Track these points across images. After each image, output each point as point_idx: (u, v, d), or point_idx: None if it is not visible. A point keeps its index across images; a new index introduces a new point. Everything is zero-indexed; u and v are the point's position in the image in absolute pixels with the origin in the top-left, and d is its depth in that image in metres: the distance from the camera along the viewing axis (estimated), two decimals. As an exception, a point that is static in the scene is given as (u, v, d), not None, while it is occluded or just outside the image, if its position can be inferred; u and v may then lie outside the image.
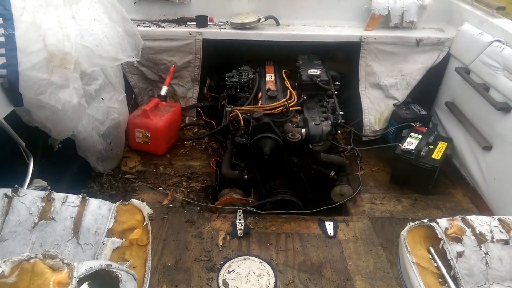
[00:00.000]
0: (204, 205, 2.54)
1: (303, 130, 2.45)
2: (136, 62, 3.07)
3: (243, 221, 2.36)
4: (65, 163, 2.45)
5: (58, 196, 1.55)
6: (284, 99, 2.52)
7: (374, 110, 3.10)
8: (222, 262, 2.12)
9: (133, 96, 3.28)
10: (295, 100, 2.62)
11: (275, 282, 2.02)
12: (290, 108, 2.52)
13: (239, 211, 2.42)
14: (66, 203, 1.53)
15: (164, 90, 3.06)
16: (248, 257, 2.15)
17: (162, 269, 2.08)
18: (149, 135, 2.87)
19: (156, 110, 2.93)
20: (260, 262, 2.12)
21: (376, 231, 2.35)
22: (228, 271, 2.07)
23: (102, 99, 2.45)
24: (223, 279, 2.03)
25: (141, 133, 2.89)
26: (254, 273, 2.07)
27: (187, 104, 3.33)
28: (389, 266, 2.12)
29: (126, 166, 2.85)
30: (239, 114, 2.50)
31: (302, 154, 2.53)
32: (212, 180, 2.78)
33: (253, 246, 2.23)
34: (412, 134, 2.79)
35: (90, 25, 2.18)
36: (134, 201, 1.61)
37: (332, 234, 2.30)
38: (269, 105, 2.49)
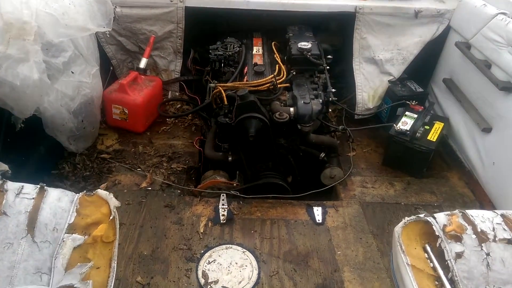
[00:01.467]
0: (186, 188, 2.38)
1: (291, 109, 2.27)
2: (112, 31, 2.85)
3: (227, 206, 2.22)
4: (34, 143, 2.26)
5: (12, 186, 1.37)
6: (272, 75, 2.33)
7: (368, 87, 2.92)
8: (202, 251, 1.98)
9: (111, 68, 3.05)
10: (284, 76, 2.42)
11: (258, 273, 1.90)
12: (278, 85, 2.34)
13: (223, 195, 2.27)
14: (21, 195, 1.35)
15: (143, 63, 2.84)
16: (230, 246, 2.02)
17: (138, 259, 1.94)
18: (127, 111, 2.67)
19: (134, 84, 2.71)
20: (243, 252, 1.99)
21: (367, 217, 2.22)
22: (209, 261, 1.94)
23: (72, 72, 2.23)
24: (203, 270, 1.90)
25: (118, 109, 2.68)
26: (236, 263, 1.94)
27: (169, 77, 3.11)
28: (379, 255, 2.00)
29: (102, 144, 2.66)
30: (222, 91, 2.31)
31: (290, 134, 2.36)
32: (194, 160, 2.61)
33: (236, 234, 2.09)
34: (407, 113, 2.63)
35: (54, -10, 1.94)
36: (100, 191, 1.44)
37: (320, 221, 2.17)
38: (255, 81, 2.30)
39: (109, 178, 2.40)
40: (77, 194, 1.44)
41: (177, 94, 3.18)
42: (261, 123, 2.20)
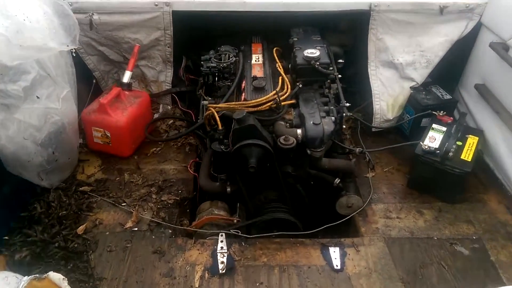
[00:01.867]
0: (178, 227, 2.03)
1: (298, 131, 1.91)
2: (92, 40, 2.52)
3: (226, 250, 1.87)
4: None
5: None
6: (274, 92, 1.96)
7: (387, 95, 2.53)
8: (197, 314, 1.64)
9: (94, 81, 2.70)
10: (288, 90, 2.06)
11: None
12: (282, 103, 1.97)
13: (221, 236, 1.93)
14: None
15: (126, 77, 2.47)
16: (231, 306, 1.68)
17: (120, 326, 1.61)
18: (109, 134, 2.32)
19: (117, 102, 2.35)
20: (247, 314, 1.64)
21: (394, 258, 1.86)
22: (205, 326, 1.60)
23: (38, 97, 1.88)
24: None
25: (99, 132, 2.34)
26: (238, 329, 1.59)
27: (159, 89, 2.76)
28: (413, 312, 1.65)
29: (83, 173, 2.32)
30: (215, 113, 1.94)
31: (298, 160, 2.00)
32: (189, 190, 2.26)
33: None
34: (434, 126, 2.26)
35: (4, 5, 1.59)
36: (52, 275, 1.11)
37: (338, 266, 1.81)
38: (253, 101, 1.93)
39: (89, 217, 2.06)
40: (24, 279, 1.10)
41: (169, 107, 2.83)
42: (263, 151, 1.84)
